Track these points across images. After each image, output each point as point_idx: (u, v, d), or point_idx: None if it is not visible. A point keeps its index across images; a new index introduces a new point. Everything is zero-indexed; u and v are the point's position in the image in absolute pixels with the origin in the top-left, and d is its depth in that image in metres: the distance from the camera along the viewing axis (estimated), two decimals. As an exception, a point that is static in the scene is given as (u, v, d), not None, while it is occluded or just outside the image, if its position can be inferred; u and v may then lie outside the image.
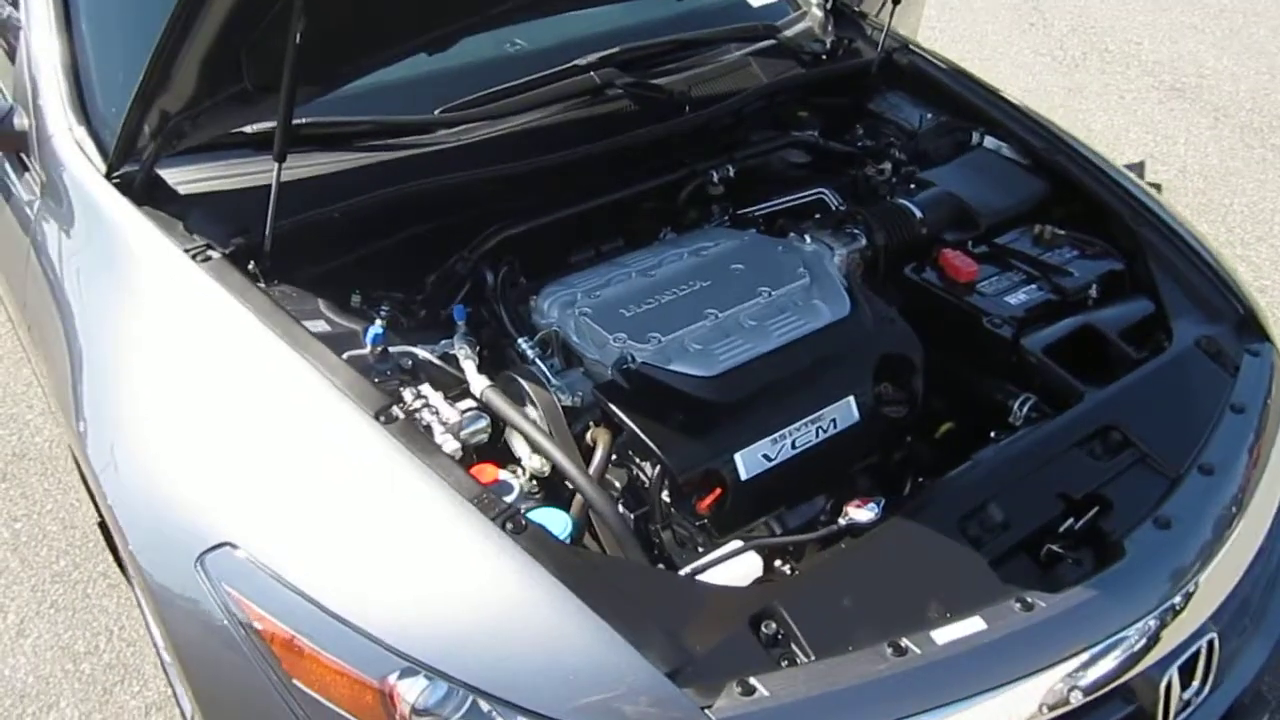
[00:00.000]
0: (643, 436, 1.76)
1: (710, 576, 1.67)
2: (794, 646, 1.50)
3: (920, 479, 1.96)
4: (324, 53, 1.89)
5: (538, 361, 1.95)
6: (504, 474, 1.76)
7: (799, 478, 1.89)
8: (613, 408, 1.82)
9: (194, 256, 1.92)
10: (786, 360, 1.92)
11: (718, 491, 1.78)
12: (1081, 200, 2.43)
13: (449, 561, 1.54)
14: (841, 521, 1.73)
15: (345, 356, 1.83)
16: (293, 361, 1.74)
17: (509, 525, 1.55)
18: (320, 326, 1.94)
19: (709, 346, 1.93)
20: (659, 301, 2.02)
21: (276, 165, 1.87)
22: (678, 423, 1.79)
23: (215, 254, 1.93)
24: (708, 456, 1.76)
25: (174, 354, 1.88)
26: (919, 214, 2.34)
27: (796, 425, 1.86)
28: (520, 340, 1.97)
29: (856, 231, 2.27)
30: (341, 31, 1.87)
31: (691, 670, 1.43)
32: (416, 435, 1.66)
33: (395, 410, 1.68)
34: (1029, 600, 1.57)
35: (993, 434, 1.96)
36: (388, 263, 2.18)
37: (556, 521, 1.68)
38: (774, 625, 1.51)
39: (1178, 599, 1.66)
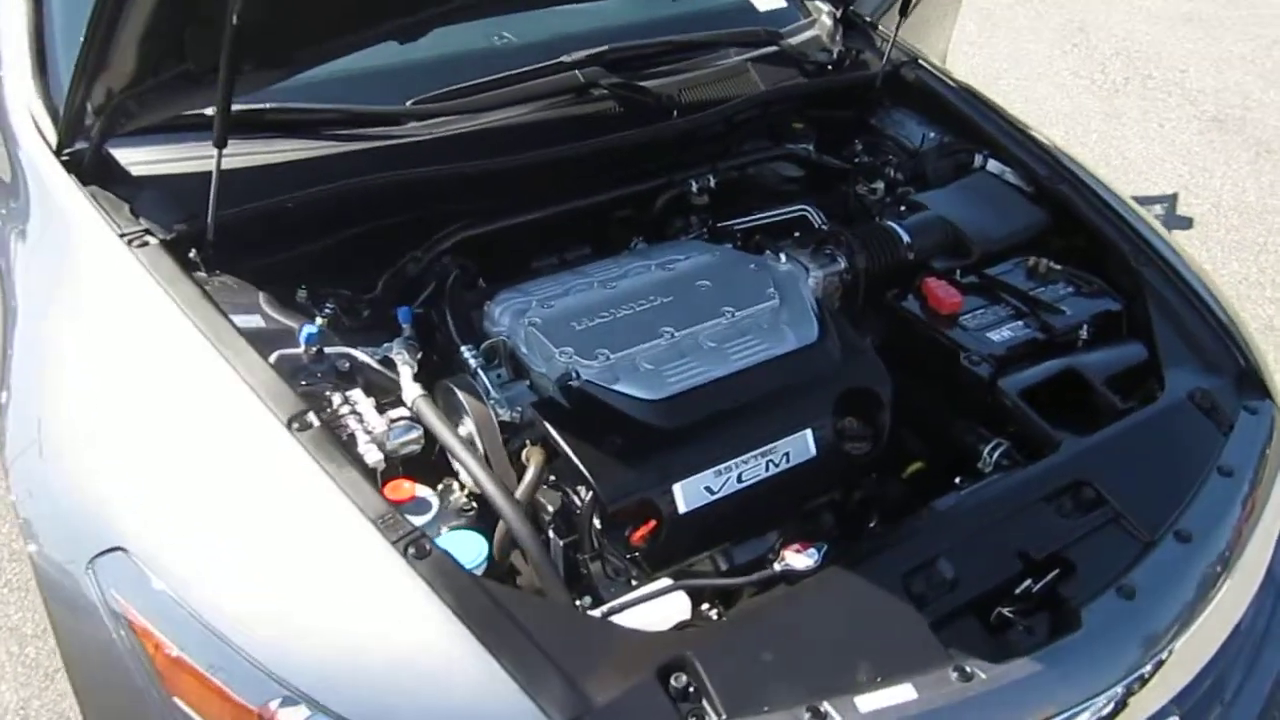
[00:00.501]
0: (574, 459, 1.66)
1: (633, 616, 1.56)
2: (705, 703, 1.39)
3: (874, 523, 1.84)
4: (277, 37, 1.80)
5: (480, 372, 1.85)
6: (423, 491, 1.66)
7: (745, 514, 1.78)
8: (548, 426, 1.71)
9: (129, 241, 1.84)
10: (741, 387, 1.80)
11: (652, 523, 1.67)
12: (1083, 234, 2.29)
13: (344, 586, 1.45)
14: (777, 567, 1.61)
15: (275, 356, 1.75)
16: (210, 359, 1.65)
17: (411, 550, 1.45)
18: (253, 322, 1.85)
19: (660, 367, 1.82)
20: (614, 316, 1.91)
21: (217, 151, 1.78)
22: (615, 447, 1.68)
23: (152, 240, 1.85)
24: (643, 485, 1.65)
25: (101, 341, 1.80)
26: (907, 238, 2.21)
27: (745, 457, 1.74)
28: (464, 348, 1.87)
29: (836, 253, 2.15)
30: (295, 15, 1.78)
31: (588, 722, 1.32)
32: (329, 446, 1.56)
33: (310, 417, 1.58)
34: (968, 669, 1.45)
35: (958, 479, 1.84)
36: (344, 258, 2.09)
37: (470, 547, 1.58)
38: (684, 678, 1.40)
39: (1135, 678, 1.52)
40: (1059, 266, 2.22)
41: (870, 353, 1.91)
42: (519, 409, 1.79)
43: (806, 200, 2.37)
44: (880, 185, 2.43)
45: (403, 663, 1.38)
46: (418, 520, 1.60)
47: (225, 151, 1.80)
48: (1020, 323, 2.08)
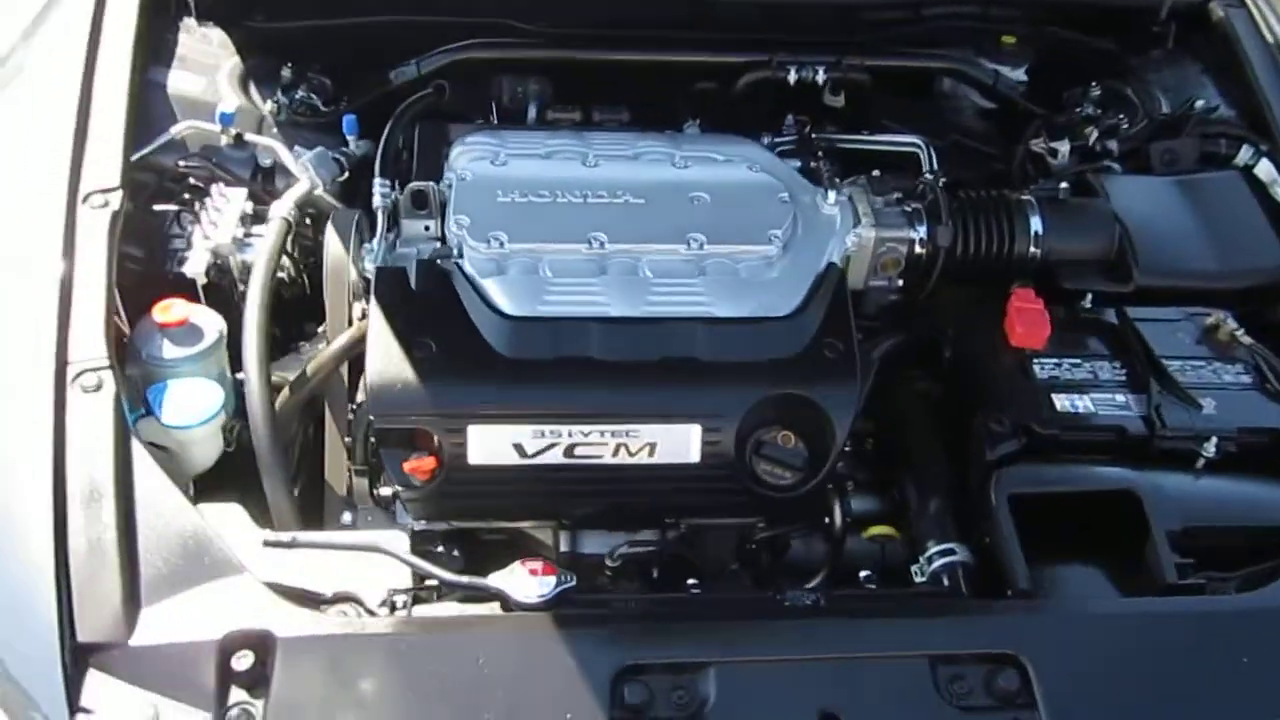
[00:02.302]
0: (369, 350, 1.31)
1: (322, 563, 1.23)
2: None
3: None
4: None
5: (380, 213, 1.51)
6: (206, 320, 1.39)
7: (565, 499, 1.36)
8: (372, 300, 1.37)
9: None
10: (633, 340, 1.34)
11: (432, 462, 1.30)
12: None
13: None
14: (491, 581, 1.19)
15: (182, 126, 1.55)
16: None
17: (81, 381, 1.21)
18: (186, 84, 1.66)
19: (556, 279, 1.39)
20: (556, 199, 1.49)
21: None
22: (424, 352, 1.31)
23: None
24: (424, 411, 1.28)
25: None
26: (1039, 225, 1.54)
27: (586, 429, 1.30)
28: (378, 181, 1.54)
29: (915, 213, 1.54)
30: None
31: (87, 662, 1.04)
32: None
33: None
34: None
35: (864, 574, 1.28)
36: (370, 48, 1.82)
37: (199, 398, 1.32)
38: (250, 660, 1.06)
39: None
40: (1248, 340, 1.46)
41: (847, 357, 1.35)
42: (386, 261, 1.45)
43: (930, 135, 1.72)
44: (1066, 147, 1.71)
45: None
46: (172, 350, 1.35)
47: None
48: (1124, 398, 1.39)
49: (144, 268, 1.48)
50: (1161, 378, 1.40)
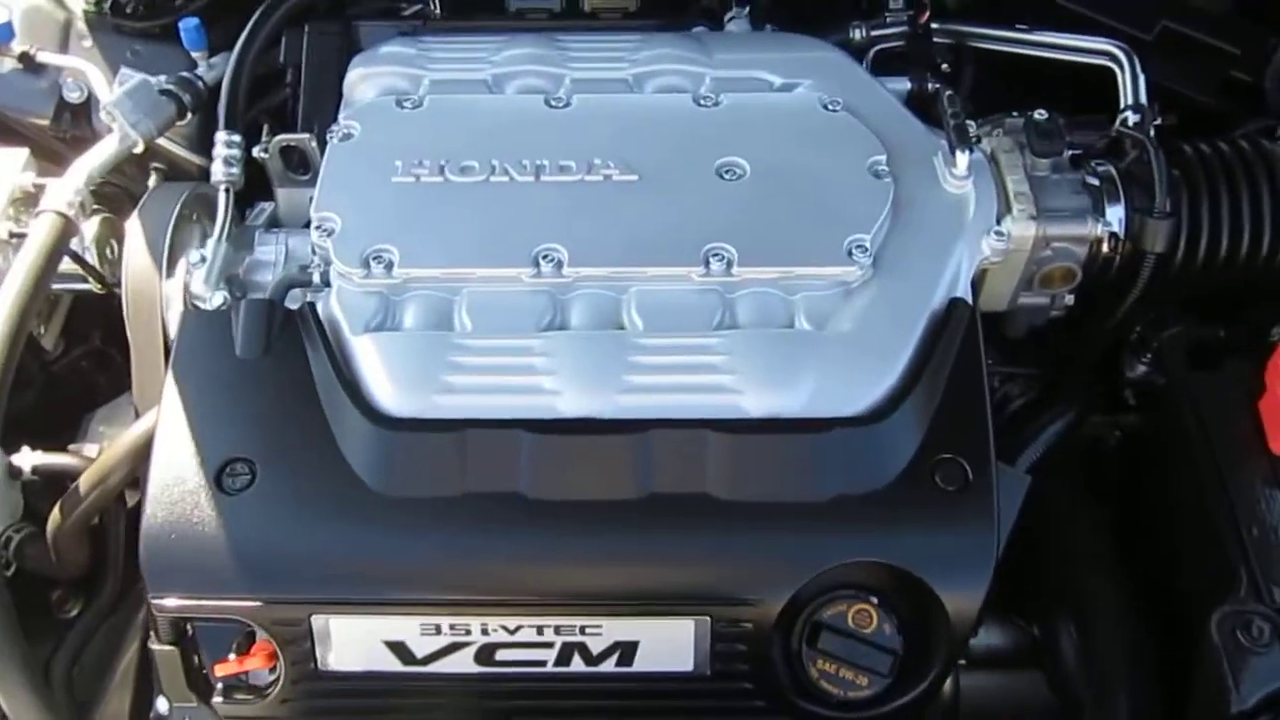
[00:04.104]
0: (148, 476, 0.78)
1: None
2: None
3: None
4: None
5: (225, 187, 0.94)
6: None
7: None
8: (166, 376, 0.82)
9: None
10: (602, 463, 0.77)
11: (262, 662, 0.78)
12: None
13: None
14: None
15: None
16: None
17: None
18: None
19: (471, 341, 0.82)
20: (490, 179, 0.89)
21: None
22: (240, 486, 0.77)
23: None
24: (224, 584, 0.76)
25: None
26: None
27: (515, 622, 0.76)
28: (223, 133, 0.96)
29: (1116, 178, 0.91)
30: None
31: None
32: None
33: None
34: None
35: None
36: None
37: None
38: None
39: None
40: None
41: (979, 491, 0.76)
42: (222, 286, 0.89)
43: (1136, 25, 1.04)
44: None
45: None
46: None
47: None
48: None
49: None
50: None
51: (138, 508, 0.81)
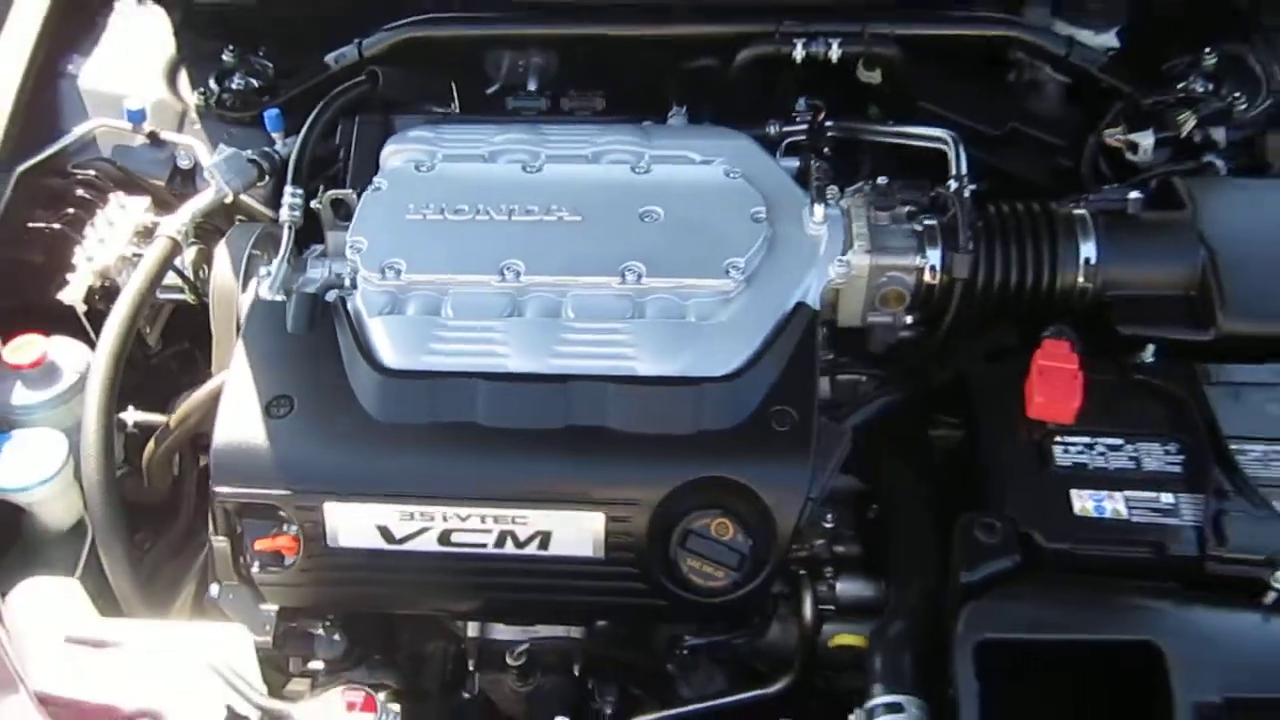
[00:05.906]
0: (220, 406, 1.12)
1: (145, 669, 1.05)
2: None
3: None
4: None
5: (288, 228, 1.30)
6: (65, 355, 1.22)
7: (444, 592, 1.14)
8: (237, 343, 1.17)
9: None
10: (532, 404, 1.09)
11: (290, 542, 1.10)
12: None
13: None
14: (299, 715, 0.97)
15: (94, 124, 1.39)
16: None
17: None
18: (104, 73, 1.50)
19: (452, 322, 1.15)
20: (476, 217, 1.24)
21: None
22: (283, 413, 1.10)
23: None
24: (266, 482, 1.08)
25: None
26: (1092, 252, 1.20)
27: (466, 511, 1.07)
28: (290, 188, 1.33)
29: (929, 232, 1.22)
30: None
31: None
32: None
33: None
34: None
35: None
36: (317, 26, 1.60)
37: (43, 451, 1.16)
38: None
39: None
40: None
41: (799, 431, 1.07)
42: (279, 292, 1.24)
43: (967, 130, 1.37)
44: (1150, 140, 1.34)
45: None
46: (23, 395, 1.19)
47: None
48: (1173, 499, 1.05)
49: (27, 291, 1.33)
50: (1229, 471, 1.05)
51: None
